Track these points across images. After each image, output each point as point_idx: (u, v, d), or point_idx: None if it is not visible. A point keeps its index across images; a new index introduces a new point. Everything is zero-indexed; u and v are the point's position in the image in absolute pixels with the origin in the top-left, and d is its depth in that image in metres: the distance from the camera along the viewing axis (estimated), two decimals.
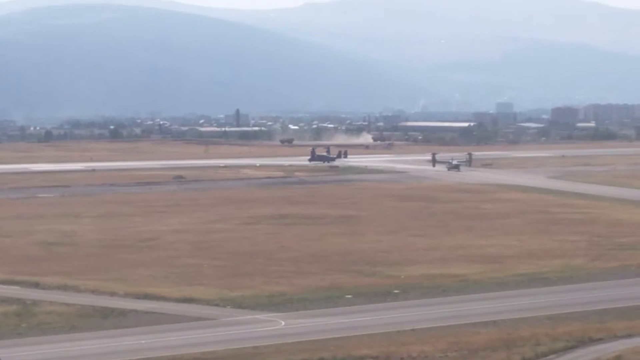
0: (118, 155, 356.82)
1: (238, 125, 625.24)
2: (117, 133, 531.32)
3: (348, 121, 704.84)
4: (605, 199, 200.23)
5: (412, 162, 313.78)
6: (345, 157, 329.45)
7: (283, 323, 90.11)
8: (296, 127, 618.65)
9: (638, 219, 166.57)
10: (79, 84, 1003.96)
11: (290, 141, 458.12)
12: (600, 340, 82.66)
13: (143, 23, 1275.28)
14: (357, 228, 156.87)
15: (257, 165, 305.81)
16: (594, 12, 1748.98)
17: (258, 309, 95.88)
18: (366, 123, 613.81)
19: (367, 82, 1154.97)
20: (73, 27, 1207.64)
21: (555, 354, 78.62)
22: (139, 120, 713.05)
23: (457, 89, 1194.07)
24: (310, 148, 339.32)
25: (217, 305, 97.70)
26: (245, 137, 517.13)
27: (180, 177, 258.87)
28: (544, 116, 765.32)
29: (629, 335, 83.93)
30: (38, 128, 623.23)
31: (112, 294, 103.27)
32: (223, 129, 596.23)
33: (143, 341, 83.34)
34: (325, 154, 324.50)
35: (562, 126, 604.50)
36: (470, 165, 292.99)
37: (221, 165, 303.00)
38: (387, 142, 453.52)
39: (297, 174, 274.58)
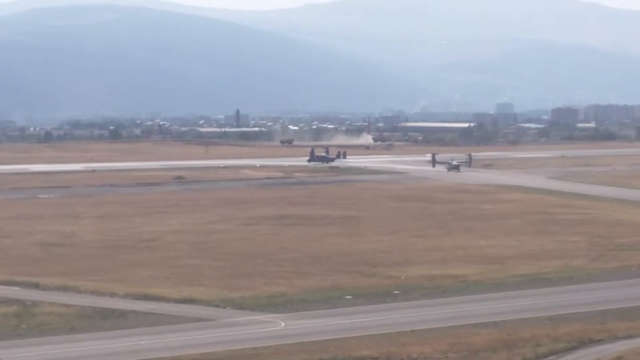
0: (118, 156, 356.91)
1: (238, 126, 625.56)
2: (117, 134, 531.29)
3: (348, 122, 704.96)
4: (606, 200, 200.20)
5: (412, 163, 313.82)
6: (344, 157, 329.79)
7: (283, 324, 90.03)
8: (296, 128, 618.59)
9: (638, 220, 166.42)
10: (79, 85, 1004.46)
11: (290, 142, 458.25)
12: (600, 341, 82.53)
13: (143, 24, 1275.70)
14: (357, 229, 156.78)
15: (257, 165, 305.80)
16: (593, 12, 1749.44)
17: (258, 309, 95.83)
18: (366, 124, 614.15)
19: (367, 82, 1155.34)
20: (73, 27, 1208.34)
21: (555, 354, 78.50)
22: (138, 121, 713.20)
23: (457, 89, 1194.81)
24: (310, 149, 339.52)
25: (217, 306, 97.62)
26: (245, 137, 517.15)
27: (180, 177, 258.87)
28: (544, 117, 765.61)
29: (630, 336, 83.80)
30: (38, 128, 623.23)
31: (112, 294, 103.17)
32: (223, 129, 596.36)
33: (143, 342, 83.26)
34: (324, 154, 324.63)
35: (562, 127, 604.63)
36: (470, 166, 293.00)
37: (221, 165, 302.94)
38: (387, 142, 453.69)
39: (297, 174, 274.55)
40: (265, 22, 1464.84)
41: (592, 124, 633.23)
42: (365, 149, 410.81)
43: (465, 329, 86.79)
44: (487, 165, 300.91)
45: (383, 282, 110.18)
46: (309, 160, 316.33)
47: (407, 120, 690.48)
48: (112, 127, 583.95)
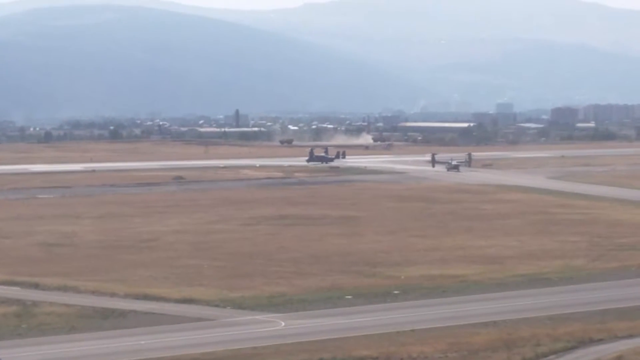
0: (118, 156, 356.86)
1: (238, 126, 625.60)
2: (117, 134, 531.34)
3: (348, 122, 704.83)
4: (606, 200, 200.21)
5: (411, 163, 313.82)
6: (344, 157, 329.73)
7: (283, 324, 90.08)
8: (296, 128, 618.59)
9: (638, 220, 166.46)
10: (79, 85, 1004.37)
11: (289, 142, 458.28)
12: (601, 340, 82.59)
13: (143, 24, 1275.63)
14: (357, 229, 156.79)
15: (257, 165, 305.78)
16: (594, 12, 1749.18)
17: (258, 309, 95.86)
18: (366, 123, 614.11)
19: (367, 82, 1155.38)
20: (73, 28, 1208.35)
21: (555, 354, 78.54)
22: (138, 121, 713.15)
23: (457, 89, 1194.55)
24: (309, 149, 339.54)
25: (217, 305, 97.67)
26: (245, 137, 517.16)
27: (180, 177, 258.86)
28: (544, 116, 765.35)
29: (630, 336, 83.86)
30: (38, 129, 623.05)
31: (112, 294, 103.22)
32: (223, 129, 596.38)
33: (143, 342, 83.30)
34: (323, 154, 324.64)
35: (562, 126, 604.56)
36: (469, 166, 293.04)
37: (221, 165, 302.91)
38: (387, 142, 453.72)
39: (296, 174, 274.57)
40: (265, 22, 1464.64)
41: (592, 124, 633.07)
42: (365, 149, 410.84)
43: (465, 329, 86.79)
44: (487, 165, 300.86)
45: (383, 282, 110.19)
46: (308, 160, 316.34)
47: (406, 120, 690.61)
48: (112, 127, 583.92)
